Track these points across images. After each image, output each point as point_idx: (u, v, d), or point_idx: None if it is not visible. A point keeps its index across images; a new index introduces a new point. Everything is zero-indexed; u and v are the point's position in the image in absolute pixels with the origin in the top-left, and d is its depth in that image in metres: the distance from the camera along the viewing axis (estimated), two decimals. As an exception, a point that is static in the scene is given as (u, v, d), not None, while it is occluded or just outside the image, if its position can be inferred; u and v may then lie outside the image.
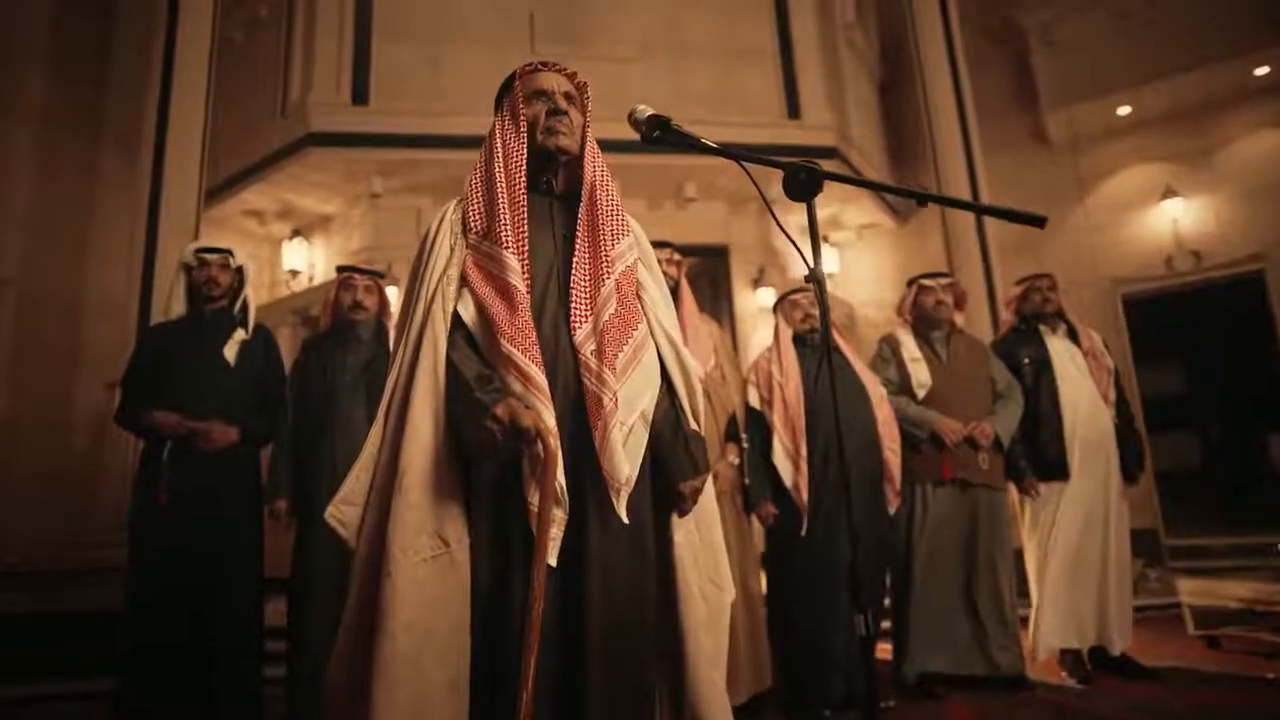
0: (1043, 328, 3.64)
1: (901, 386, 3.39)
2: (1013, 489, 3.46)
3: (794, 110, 7.11)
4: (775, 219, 1.41)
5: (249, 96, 6.75)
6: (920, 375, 3.35)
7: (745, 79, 7.06)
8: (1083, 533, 3.36)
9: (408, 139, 6.14)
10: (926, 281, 3.50)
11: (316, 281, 7.04)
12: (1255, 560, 6.26)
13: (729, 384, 3.24)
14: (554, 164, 1.66)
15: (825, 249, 7.96)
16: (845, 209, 7.89)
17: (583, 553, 1.42)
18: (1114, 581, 3.33)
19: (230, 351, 2.93)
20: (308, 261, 7.10)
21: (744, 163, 1.39)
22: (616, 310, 1.50)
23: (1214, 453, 7.14)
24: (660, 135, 1.42)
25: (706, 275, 7.63)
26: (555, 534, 1.35)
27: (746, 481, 3.10)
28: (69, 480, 5.35)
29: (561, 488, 1.34)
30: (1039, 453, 3.42)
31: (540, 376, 1.39)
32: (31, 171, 6.09)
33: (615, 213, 1.61)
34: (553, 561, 1.34)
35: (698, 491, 1.57)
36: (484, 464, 1.43)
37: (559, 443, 1.35)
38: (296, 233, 7.04)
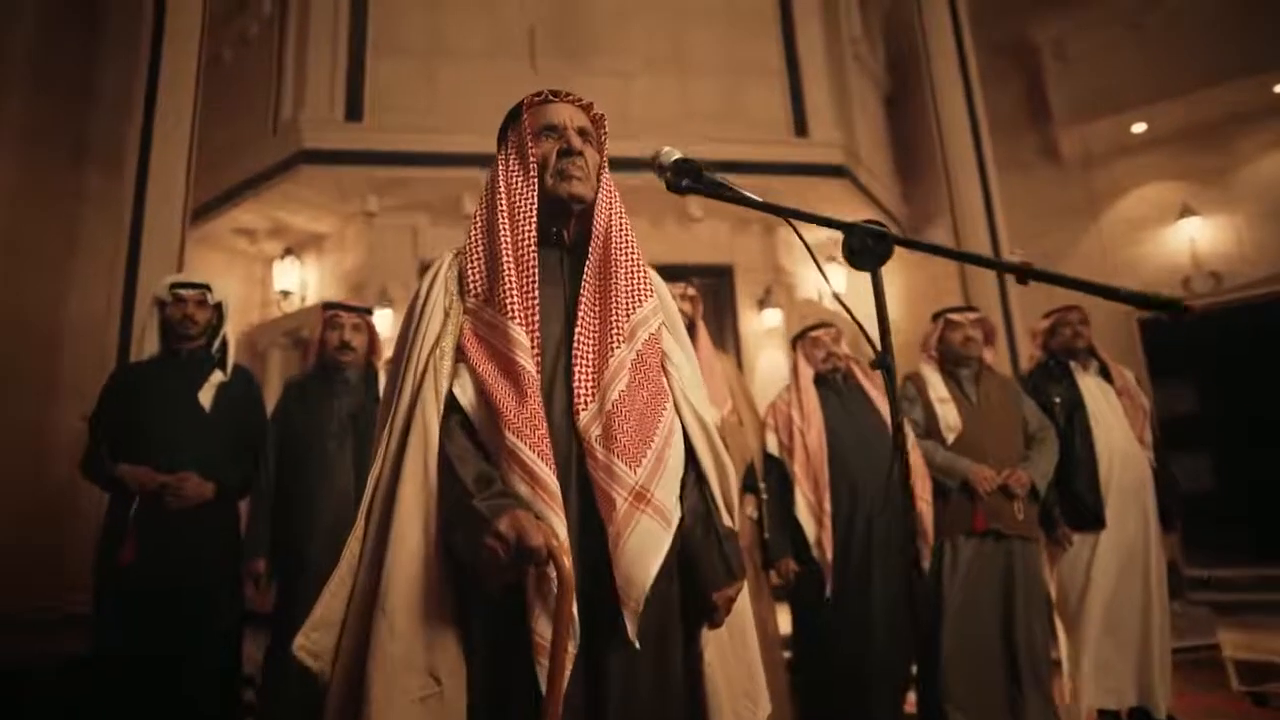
0: (1073, 364, 3.43)
1: (928, 429, 3.17)
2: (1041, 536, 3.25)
3: (801, 127, 6.92)
4: (836, 295, 1.20)
5: (240, 114, 6.54)
6: (949, 418, 3.13)
7: (751, 95, 6.87)
8: (1119, 586, 3.15)
9: (403, 156, 5.94)
10: (954, 316, 3.28)
11: (309, 302, 6.82)
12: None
13: (746, 428, 3.03)
14: (566, 213, 1.43)
15: (831, 267, 7.76)
16: (852, 227, 7.67)
17: (596, 679, 1.19)
18: (1157, 638, 3.11)
19: (206, 396, 2.70)
20: (300, 281, 6.87)
21: (795, 220, 1.16)
22: (630, 387, 1.27)
23: (1231, 479, 6.92)
24: (690, 185, 1.20)
25: (710, 296, 7.41)
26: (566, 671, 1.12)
27: (765, 536, 2.88)
28: (43, 515, 5.11)
29: (574, 618, 1.11)
30: (1073, 500, 3.21)
31: (551, 478, 1.16)
32: (11, 189, 5.86)
33: (634, 269, 1.39)
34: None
35: (732, 601, 1.34)
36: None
37: (573, 562, 1.13)
38: (288, 251, 6.82)
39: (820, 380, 3.08)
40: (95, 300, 5.18)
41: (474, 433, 1.24)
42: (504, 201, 1.39)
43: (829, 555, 2.77)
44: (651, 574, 1.16)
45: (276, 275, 6.82)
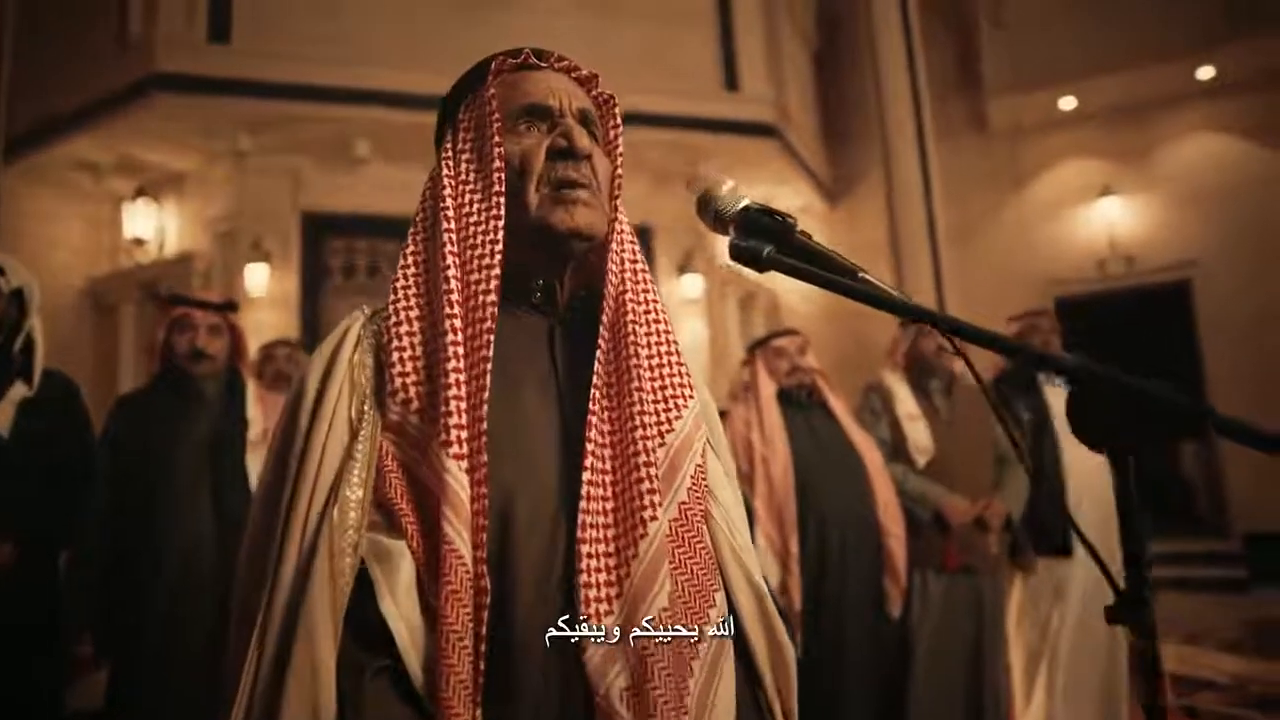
0: (1040, 375, 3.16)
1: (896, 449, 2.83)
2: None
3: (731, 81, 6.44)
4: (988, 396, 0.74)
5: (77, 22, 5.46)
6: (920, 438, 2.79)
7: (679, 43, 6.29)
8: (1084, 615, 2.95)
9: (281, 88, 5.08)
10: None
11: (169, 252, 5.89)
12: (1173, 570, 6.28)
13: (700, 455, 2.59)
14: (562, 255, 0.89)
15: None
16: (777, 190, 7.32)
17: None
18: (1123, 667, 2.94)
19: (2, 418, 2.02)
20: (157, 227, 5.91)
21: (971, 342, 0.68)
22: (672, 591, 0.77)
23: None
24: (774, 258, 0.70)
25: (628, 259, 6.90)
26: None
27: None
28: None
29: None
30: (1039, 524, 2.96)
31: None
32: None
33: (663, 350, 0.87)
34: None
35: None
36: None
37: None
38: (141, 192, 5.81)
39: (783, 396, 2.67)
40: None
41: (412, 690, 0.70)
42: (451, 233, 0.83)
43: (797, 604, 2.40)
44: None
45: (127, 219, 5.83)
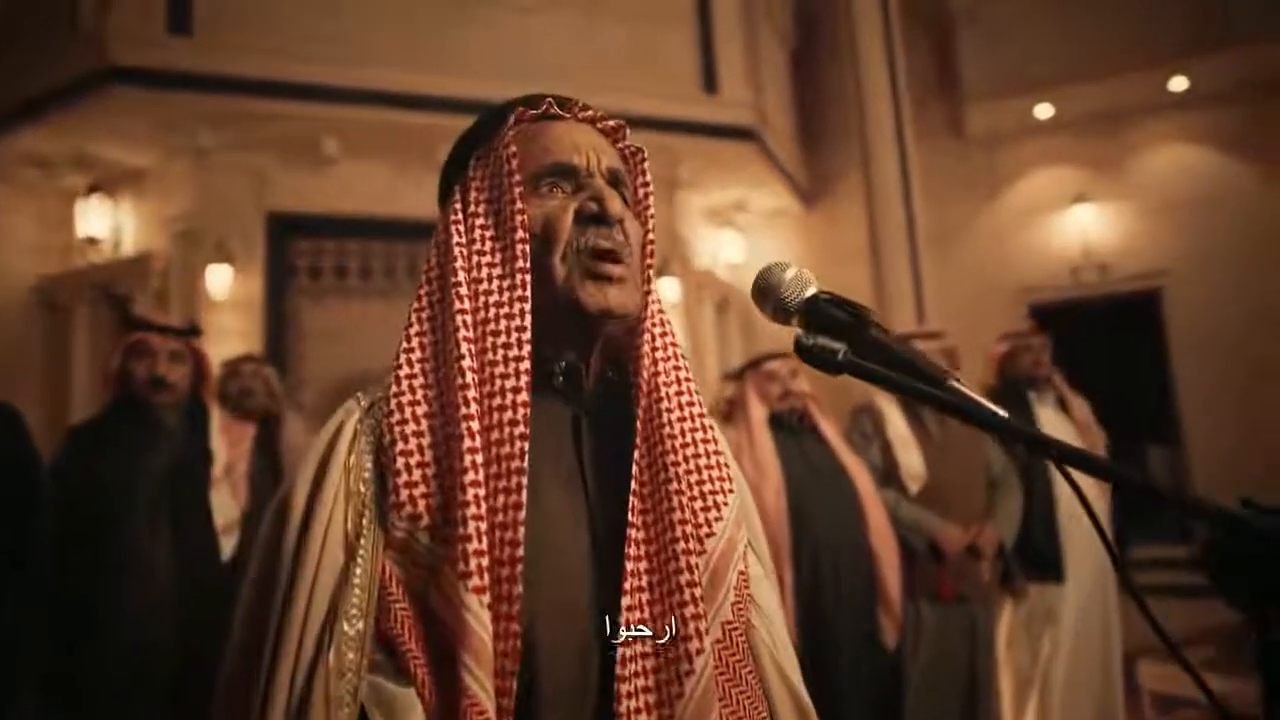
0: (1031, 394, 3.12)
1: (887, 474, 2.76)
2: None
3: (711, 83, 6.34)
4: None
5: (31, 7, 5.18)
6: (912, 463, 2.73)
7: (660, 44, 6.18)
8: (1076, 639, 2.92)
9: (245, 84, 4.87)
10: (917, 345, 2.86)
11: (125, 251, 5.63)
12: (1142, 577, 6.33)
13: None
14: (590, 334, 0.78)
15: (730, 235, 7.37)
16: (754, 193, 7.26)
17: None
18: (1117, 686, 2.93)
19: (-61, 452, 1.85)
20: (112, 225, 5.64)
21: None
22: None
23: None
24: (851, 361, 0.60)
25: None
26: None
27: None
28: None
29: None
30: (1030, 549, 2.92)
31: None
32: None
33: (698, 438, 0.77)
34: None
35: None
36: None
37: None
38: (95, 189, 5.55)
39: (774, 420, 2.59)
40: None
41: None
42: (466, 314, 0.71)
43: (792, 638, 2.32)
44: None
45: (80, 217, 5.56)
